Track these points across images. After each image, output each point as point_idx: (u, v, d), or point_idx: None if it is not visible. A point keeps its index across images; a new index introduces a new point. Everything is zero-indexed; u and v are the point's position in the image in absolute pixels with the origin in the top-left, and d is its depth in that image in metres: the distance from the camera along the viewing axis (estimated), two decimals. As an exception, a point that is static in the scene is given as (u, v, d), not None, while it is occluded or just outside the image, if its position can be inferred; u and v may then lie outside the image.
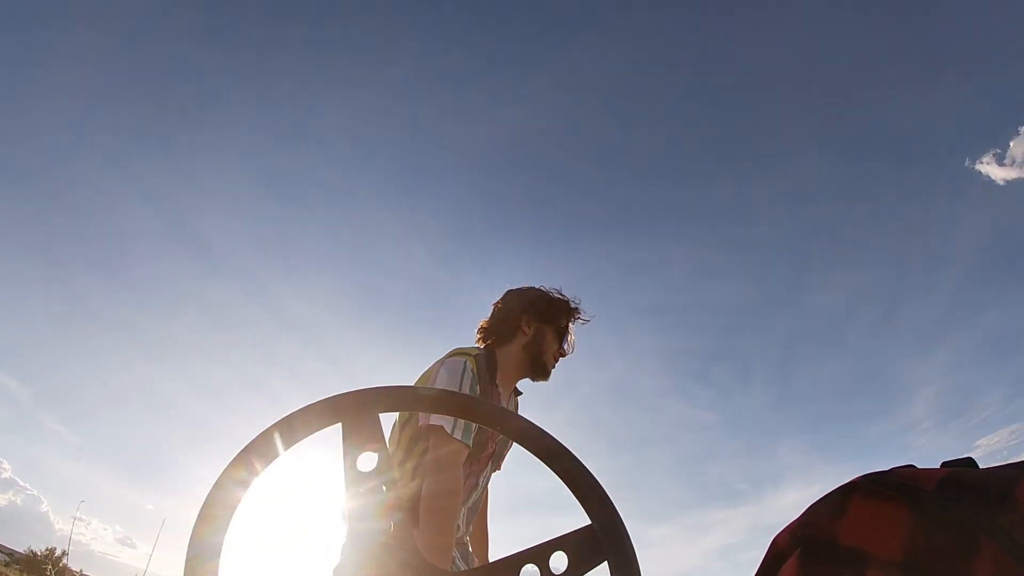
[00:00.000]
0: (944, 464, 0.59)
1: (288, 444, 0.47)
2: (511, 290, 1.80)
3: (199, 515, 0.42)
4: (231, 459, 0.45)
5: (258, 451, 0.46)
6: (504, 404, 1.67)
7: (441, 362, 1.58)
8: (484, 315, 1.79)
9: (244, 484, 0.44)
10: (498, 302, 1.78)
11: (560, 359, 1.75)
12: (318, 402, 0.49)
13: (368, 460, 0.50)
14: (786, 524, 0.72)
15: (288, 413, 0.48)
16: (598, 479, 0.51)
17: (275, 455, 0.47)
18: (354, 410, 0.50)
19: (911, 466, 0.61)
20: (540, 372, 1.71)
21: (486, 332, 1.76)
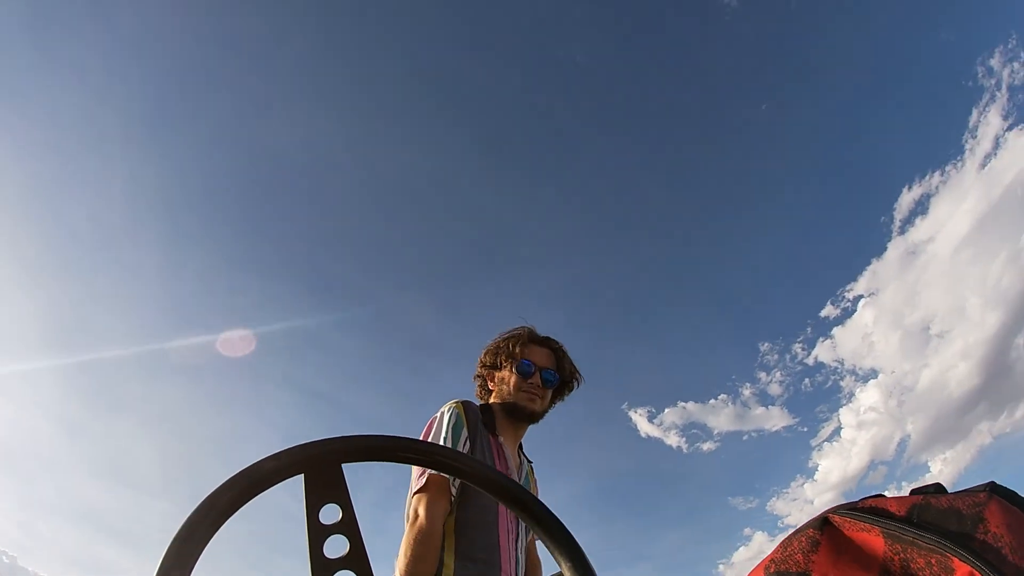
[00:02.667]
0: (913, 491, 0.61)
1: (249, 496, 0.46)
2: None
3: (158, 571, 0.39)
4: (192, 510, 0.43)
5: (218, 503, 0.44)
6: (508, 456, 1.61)
7: (441, 411, 1.58)
8: None
9: (204, 538, 0.42)
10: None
11: (539, 385, 1.68)
12: (280, 452, 0.49)
13: (331, 512, 0.50)
14: (757, 562, 0.71)
15: (250, 464, 0.48)
16: (571, 531, 0.51)
17: (235, 507, 0.45)
18: (316, 460, 0.50)
19: (881, 495, 0.63)
20: (519, 414, 1.66)
21: (478, 393, 1.79)
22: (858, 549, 0.60)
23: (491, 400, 1.72)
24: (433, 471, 1.34)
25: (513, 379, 1.67)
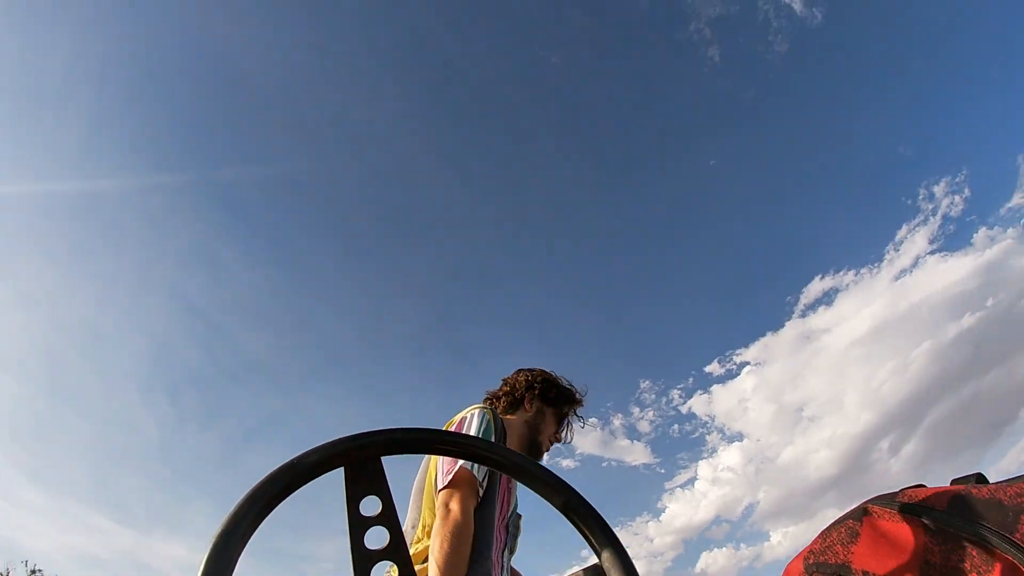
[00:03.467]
0: (954, 481, 0.59)
1: (291, 490, 0.47)
2: (521, 368, 1.85)
3: (203, 565, 0.40)
4: (236, 504, 0.44)
5: (261, 496, 0.45)
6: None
7: (471, 412, 1.58)
8: None
9: (247, 533, 0.44)
10: (507, 376, 1.83)
11: (554, 443, 1.75)
12: (319, 446, 0.50)
13: (371, 504, 0.50)
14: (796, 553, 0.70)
15: (290, 458, 0.48)
16: (604, 516, 0.51)
17: (278, 501, 0.47)
18: (356, 453, 0.50)
19: (921, 485, 0.61)
20: (535, 450, 1.71)
21: (493, 398, 1.79)
22: (897, 540, 0.59)
23: (514, 415, 1.73)
24: (464, 467, 1.38)
25: (551, 427, 1.72)
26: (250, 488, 0.46)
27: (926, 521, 0.57)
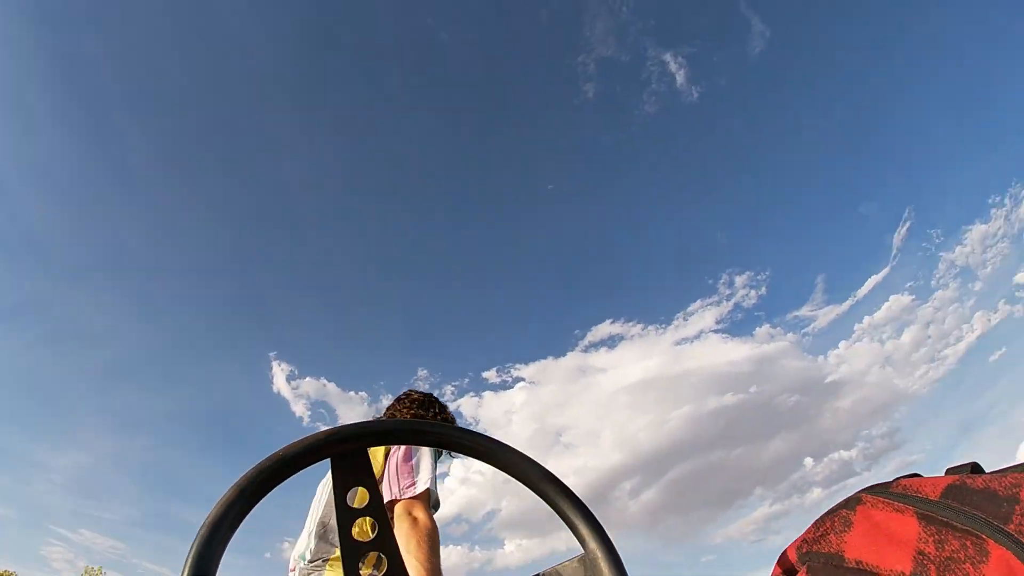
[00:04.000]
0: (949, 471, 0.58)
1: (277, 480, 0.47)
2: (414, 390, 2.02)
3: (190, 555, 0.40)
4: (223, 495, 0.44)
5: (247, 487, 0.45)
6: None
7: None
8: None
9: (233, 524, 0.43)
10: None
11: None
12: (307, 437, 0.49)
13: (358, 495, 0.50)
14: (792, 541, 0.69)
15: (277, 449, 0.48)
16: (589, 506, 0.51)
17: (264, 492, 0.46)
18: (343, 444, 0.50)
19: (916, 475, 0.60)
20: None
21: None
22: (892, 530, 0.58)
23: None
24: (429, 486, 1.46)
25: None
26: (236, 479, 0.45)
27: (920, 511, 0.56)
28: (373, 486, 0.51)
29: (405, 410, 1.92)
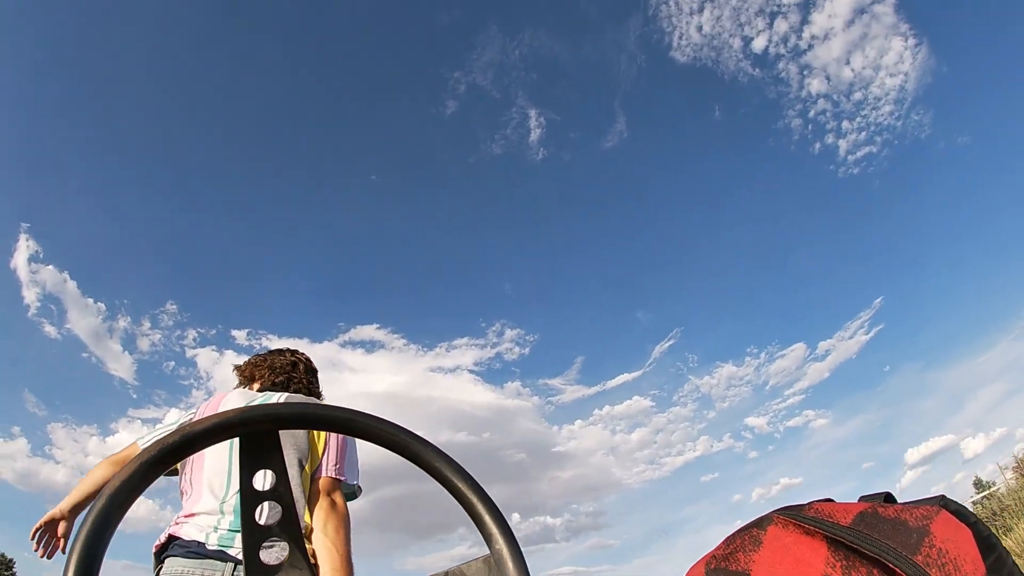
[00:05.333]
0: (862, 498, 0.59)
1: (184, 454, 0.45)
2: (285, 350, 1.93)
3: (83, 524, 0.38)
4: (126, 465, 0.42)
5: (151, 459, 0.43)
6: None
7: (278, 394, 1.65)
8: None
9: (137, 488, 0.42)
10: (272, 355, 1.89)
11: None
12: (217, 414, 0.48)
13: (265, 478, 0.49)
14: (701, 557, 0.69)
15: (186, 422, 0.46)
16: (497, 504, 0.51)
17: (169, 465, 0.45)
18: (254, 424, 0.49)
19: (829, 500, 0.61)
20: None
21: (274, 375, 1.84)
22: (800, 552, 0.59)
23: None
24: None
25: None
26: (142, 450, 0.44)
27: (829, 535, 0.57)
28: (281, 470, 0.50)
29: (267, 375, 1.79)
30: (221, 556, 1.30)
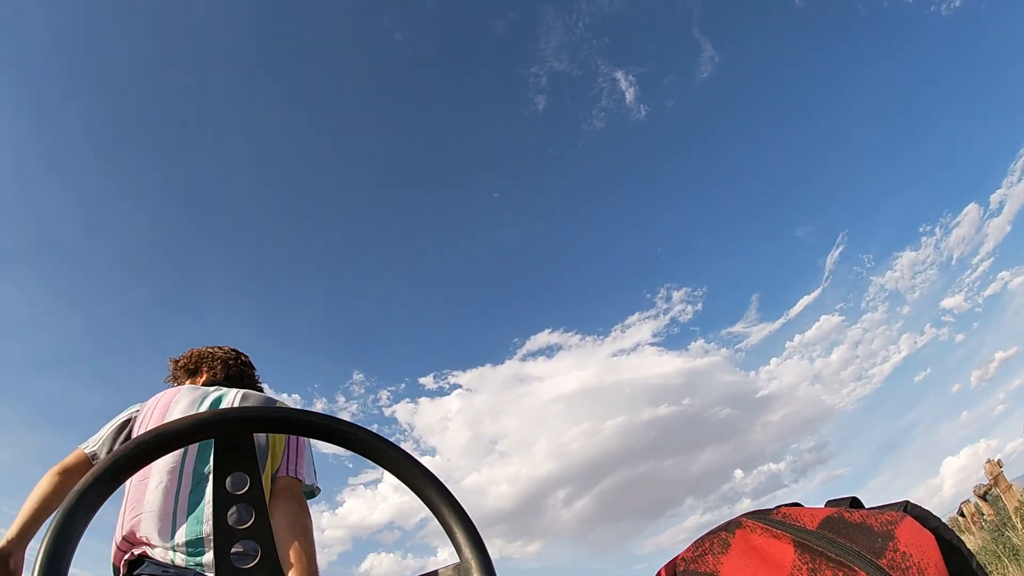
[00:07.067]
0: (828, 503, 0.60)
1: (159, 453, 0.46)
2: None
3: (57, 516, 0.39)
4: (97, 464, 0.43)
5: (122, 458, 0.44)
6: None
7: (234, 392, 1.58)
8: None
9: (106, 488, 0.42)
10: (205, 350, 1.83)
11: None
12: (193, 415, 0.49)
13: (238, 480, 0.49)
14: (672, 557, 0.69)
15: (161, 423, 0.48)
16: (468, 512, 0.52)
17: (139, 464, 0.45)
18: (230, 426, 0.50)
19: (797, 504, 0.61)
20: None
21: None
22: (767, 555, 0.59)
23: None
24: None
25: None
26: (115, 449, 0.45)
27: (797, 539, 0.57)
28: (255, 472, 0.50)
29: (219, 368, 1.75)
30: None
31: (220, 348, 1.81)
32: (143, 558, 1.27)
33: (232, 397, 1.56)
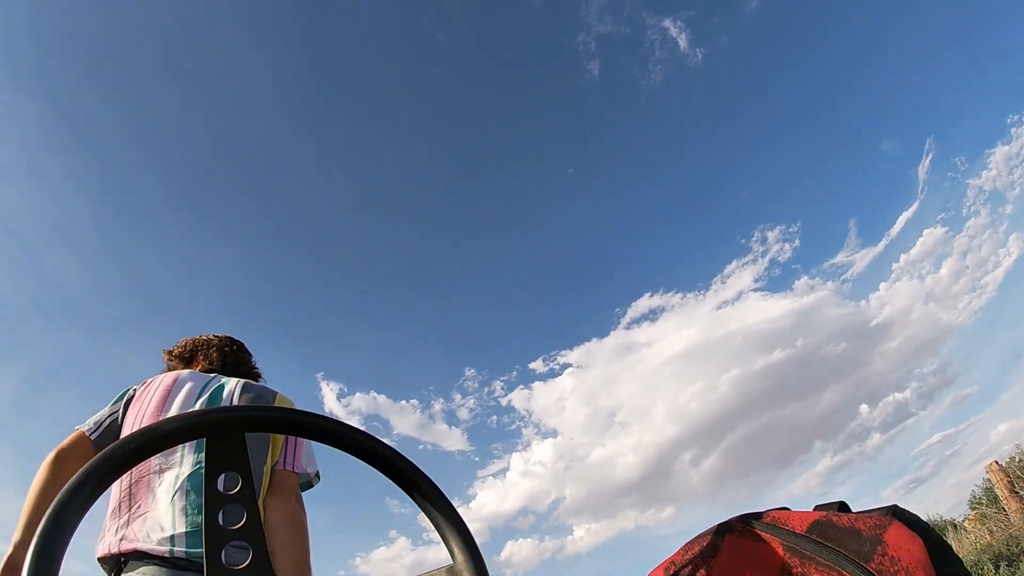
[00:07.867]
0: (817, 507, 0.59)
1: (151, 452, 0.46)
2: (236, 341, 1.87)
3: (47, 517, 0.38)
4: (88, 462, 0.42)
5: (113, 457, 0.43)
6: None
7: (249, 385, 1.55)
8: None
9: (98, 487, 0.42)
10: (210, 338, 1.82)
11: None
12: (184, 414, 0.49)
13: (229, 480, 0.49)
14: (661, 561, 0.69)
15: (154, 422, 0.48)
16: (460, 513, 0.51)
17: (131, 463, 0.45)
18: (221, 426, 0.49)
19: (785, 508, 0.61)
20: None
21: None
22: (756, 559, 0.58)
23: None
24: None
25: None
26: (106, 448, 0.44)
27: (785, 543, 0.57)
28: (246, 472, 0.49)
29: (215, 356, 1.73)
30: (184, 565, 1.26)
31: (215, 335, 1.80)
32: (136, 553, 1.25)
33: (232, 386, 1.54)
